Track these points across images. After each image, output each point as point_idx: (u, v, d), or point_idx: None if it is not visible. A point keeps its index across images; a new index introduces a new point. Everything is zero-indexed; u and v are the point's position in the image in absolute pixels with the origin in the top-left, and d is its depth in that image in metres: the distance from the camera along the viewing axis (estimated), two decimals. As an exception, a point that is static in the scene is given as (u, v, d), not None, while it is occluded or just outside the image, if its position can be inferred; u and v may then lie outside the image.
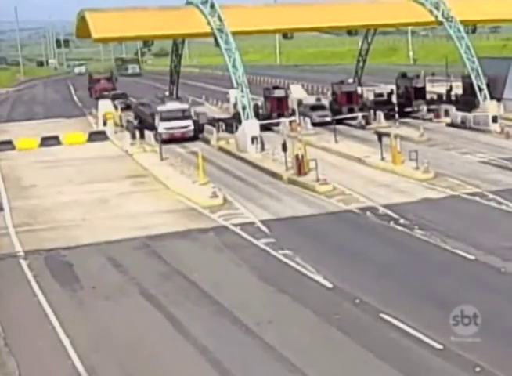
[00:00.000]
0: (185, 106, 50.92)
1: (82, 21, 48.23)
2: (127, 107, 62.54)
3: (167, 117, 47.70)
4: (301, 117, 50.35)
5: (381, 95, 58.04)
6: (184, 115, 48.36)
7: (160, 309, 20.70)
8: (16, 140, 50.17)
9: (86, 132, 52.40)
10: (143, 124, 51.72)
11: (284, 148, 36.46)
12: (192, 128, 48.08)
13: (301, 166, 35.21)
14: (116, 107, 59.95)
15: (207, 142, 47.46)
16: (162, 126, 47.40)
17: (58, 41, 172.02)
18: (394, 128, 45.22)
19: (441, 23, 51.62)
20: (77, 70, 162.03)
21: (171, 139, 46.05)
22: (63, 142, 50.13)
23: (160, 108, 49.00)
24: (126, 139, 47.45)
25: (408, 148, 36.72)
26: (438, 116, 51.57)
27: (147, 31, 46.94)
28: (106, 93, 71.95)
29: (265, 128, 46.28)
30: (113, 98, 65.79)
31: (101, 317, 20.40)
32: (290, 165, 36.08)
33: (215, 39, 45.74)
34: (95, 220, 30.51)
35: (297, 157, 35.59)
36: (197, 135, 48.65)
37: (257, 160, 40.33)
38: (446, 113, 50.92)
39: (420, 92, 55.19)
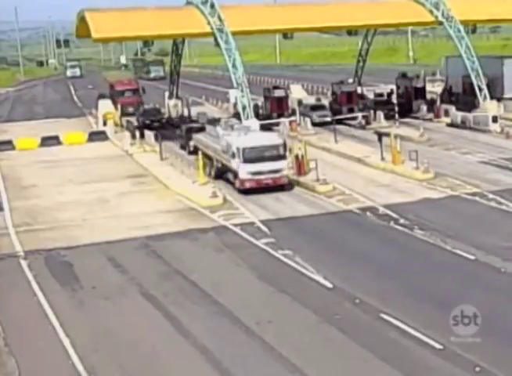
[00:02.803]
0: (277, 139, 34.39)
1: (82, 21, 48.18)
2: (160, 127, 51.49)
3: (253, 156, 32.83)
4: (301, 117, 50.38)
5: (381, 95, 58.09)
6: (277, 153, 33.19)
7: (160, 308, 20.72)
8: (16, 140, 50.19)
9: (86, 132, 52.41)
10: (210, 164, 36.49)
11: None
12: (287, 172, 33.83)
13: (300, 166, 35.21)
14: (133, 118, 52.94)
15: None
16: (245, 169, 32.87)
17: (58, 41, 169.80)
18: (394, 128, 45.24)
19: (441, 23, 51.59)
20: (69, 72, 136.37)
21: (258, 188, 32.92)
22: (63, 142, 50.17)
23: (241, 143, 33.15)
24: (126, 139, 47.44)
25: (408, 148, 36.74)
26: (437, 116, 51.58)
27: (147, 31, 46.91)
28: (131, 109, 57.42)
29: (265, 128, 46.25)
30: (144, 115, 53.80)
31: (101, 317, 20.42)
32: (290, 165, 36.05)
33: (215, 39, 45.74)
34: (95, 220, 30.51)
35: (297, 157, 35.60)
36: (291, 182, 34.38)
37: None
38: (446, 113, 50.92)
39: (420, 92, 55.26)
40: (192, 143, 40.95)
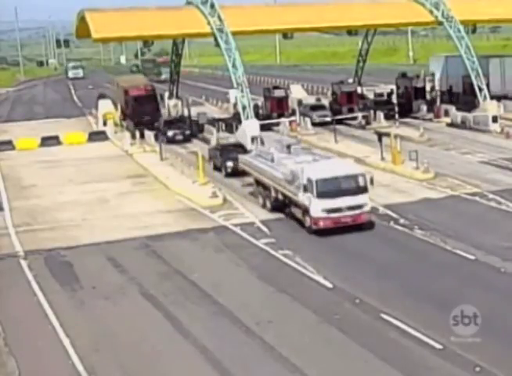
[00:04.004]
0: (356, 168, 28.88)
1: (82, 21, 48.19)
2: (185, 140, 48.03)
3: (329, 190, 26.74)
4: (301, 117, 50.39)
5: (381, 95, 58.10)
6: (356, 185, 27.17)
7: (160, 309, 20.73)
8: (16, 140, 50.21)
9: (86, 132, 52.43)
10: (265, 193, 30.58)
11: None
12: (369, 207, 27.47)
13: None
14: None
15: (206, 142, 47.34)
16: (319, 206, 26.70)
17: (58, 41, 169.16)
18: (394, 128, 45.24)
19: (441, 23, 51.60)
20: (71, 73, 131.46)
21: (335, 228, 26.83)
22: (63, 142, 50.20)
23: (313, 173, 27.01)
24: (126, 139, 47.43)
25: (408, 148, 36.74)
26: (437, 116, 51.58)
27: (147, 31, 46.90)
28: (147, 117, 50.76)
29: (265, 128, 46.18)
30: (166, 125, 49.03)
31: (101, 317, 20.42)
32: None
33: (215, 39, 45.73)
34: (95, 220, 30.52)
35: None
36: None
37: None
38: (446, 113, 50.92)
39: (420, 92, 55.29)
40: (229, 164, 36.56)
